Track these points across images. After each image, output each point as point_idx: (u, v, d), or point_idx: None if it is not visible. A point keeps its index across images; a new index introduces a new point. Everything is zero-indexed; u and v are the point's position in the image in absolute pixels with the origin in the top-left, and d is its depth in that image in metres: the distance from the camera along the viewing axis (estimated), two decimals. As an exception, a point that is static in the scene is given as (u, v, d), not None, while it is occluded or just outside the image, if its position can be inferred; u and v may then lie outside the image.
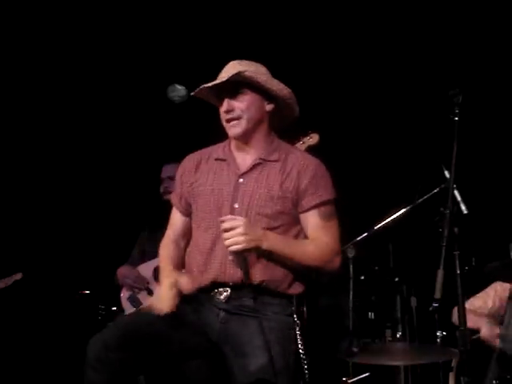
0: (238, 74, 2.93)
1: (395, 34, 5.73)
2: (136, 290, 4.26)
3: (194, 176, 3.08)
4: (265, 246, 2.82)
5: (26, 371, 5.89)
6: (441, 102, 3.00)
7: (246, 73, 2.95)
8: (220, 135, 3.19)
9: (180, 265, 3.09)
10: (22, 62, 5.99)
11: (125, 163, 6.30)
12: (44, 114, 6.22)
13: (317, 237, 2.95)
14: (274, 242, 2.85)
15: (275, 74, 3.13)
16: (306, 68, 5.58)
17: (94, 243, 6.23)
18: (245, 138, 3.04)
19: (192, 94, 3.09)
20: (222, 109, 3.01)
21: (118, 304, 4.62)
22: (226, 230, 2.75)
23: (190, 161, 3.15)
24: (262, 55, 3.19)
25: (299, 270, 3.00)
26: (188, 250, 3.09)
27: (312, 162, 3.07)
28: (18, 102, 6.12)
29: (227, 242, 2.76)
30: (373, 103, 5.97)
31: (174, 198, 3.19)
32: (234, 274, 2.88)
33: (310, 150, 3.87)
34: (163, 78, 6.20)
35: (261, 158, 3.01)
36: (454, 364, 4.54)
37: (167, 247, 3.10)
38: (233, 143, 3.10)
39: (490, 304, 4.41)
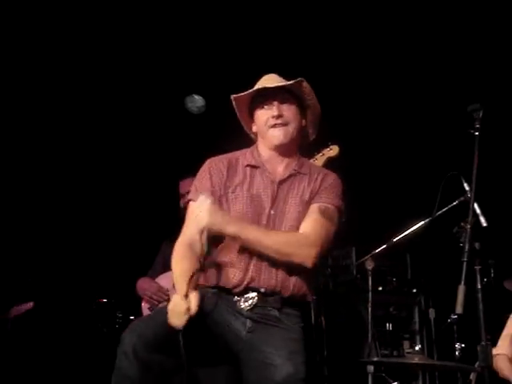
0: (301, 81, 2.96)
1: (418, 49, 5.75)
2: (156, 303, 4.27)
3: (227, 179, 3.02)
4: (228, 229, 2.83)
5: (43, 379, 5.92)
6: (461, 116, 3.01)
7: (305, 83, 2.98)
8: (236, 148, 3.20)
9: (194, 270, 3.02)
10: (38, 85, 6.04)
11: (146, 175, 6.34)
12: (64, 127, 6.27)
13: (303, 227, 2.94)
14: (235, 226, 2.84)
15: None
16: (327, 82, 5.59)
17: (115, 252, 6.27)
18: (284, 147, 3.03)
19: (235, 96, 3.04)
20: (272, 113, 2.97)
21: (138, 313, 4.64)
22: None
23: (217, 162, 3.06)
24: (280, 67, 3.21)
25: (312, 278, 3.02)
26: (221, 253, 2.99)
27: (332, 175, 3.11)
28: (35, 120, 6.17)
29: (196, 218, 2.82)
30: (394, 117, 5.99)
31: (203, 190, 3.01)
32: (269, 281, 2.88)
33: (330, 161, 3.88)
34: (182, 89, 6.31)
35: (295, 170, 3.02)
36: (472, 377, 4.55)
37: (184, 257, 2.97)
38: (263, 151, 3.07)
39: None
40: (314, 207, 2.97)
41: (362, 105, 6.00)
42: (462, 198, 3.77)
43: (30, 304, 5.45)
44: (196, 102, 6.41)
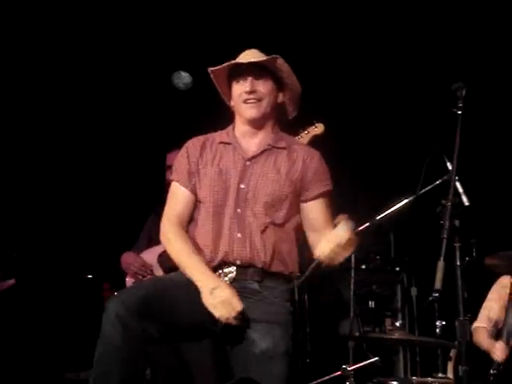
0: (275, 58, 2.99)
1: (400, 28, 5.76)
2: (140, 277, 4.28)
3: (200, 156, 3.08)
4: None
5: (29, 357, 5.93)
6: (444, 95, 3.03)
7: (280, 60, 3.00)
8: (222, 124, 3.22)
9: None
10: (20, 56, 6.00)
11: (131, 149, 6.33)
12: (49, 105, 6.24)
13: (328, 225, 2.99)
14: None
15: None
16: (310, 60, 5.59)
17: (100, 228, 6.27)
18: (258, 122, 3.06)
19: (211, 68, 3.07)
20: (244, 88, 3.00)
21: (122, 288, 4.65)
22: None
23: (194, 141, 3.14)
24: (265, 44, 3.21)
25: (296, 253, 3.05)
26: (193, 230, 3.07)
27: (316, 154, 3.13)
28: (17, 95, 6.13)
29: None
30: (377, 95, 6.00)
31: (179, 175, 3.10)
32: (242, 252, 2.91)
33: (315, 139, 3.90)
34: (168, 66, 6.29)
35: (269, 144, 3.05)
36: (452, 354, 4.61)
37: (182, 238, 3.00)
38: (238, 129, 3.12)
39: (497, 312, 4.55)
40: (321, 203, 3.06)
41: (345, 83, 6.00)
42: (445, 177, 3.77)
43: (11, 281, 5.44)
44: (183, 78, 6.42)
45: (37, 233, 6.19)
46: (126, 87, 6.26)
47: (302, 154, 3.08)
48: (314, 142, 3.86)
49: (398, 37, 5.80)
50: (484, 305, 4.72)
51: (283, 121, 3.20)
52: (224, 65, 3.05)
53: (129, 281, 4.34)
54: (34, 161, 6.26)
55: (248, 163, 3.02)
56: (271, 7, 5.76)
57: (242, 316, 2.77)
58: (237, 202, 2.96)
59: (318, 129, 3.95)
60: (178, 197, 3.09)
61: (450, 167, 3.63)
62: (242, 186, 2.98)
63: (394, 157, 5.96)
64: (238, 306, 2.75)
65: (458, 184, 3.24)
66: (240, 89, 3.03)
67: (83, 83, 6.18)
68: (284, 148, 3.06)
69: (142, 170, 6.11)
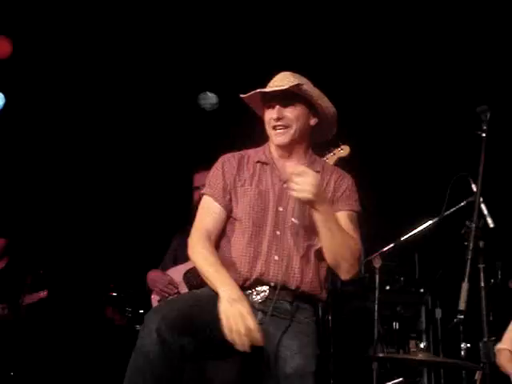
0: (298, 85, 2.99)
1: (427, 51, 5.77)
2: (166, 295, 4.30)
3: (237, 174, 3.08)
4: (321, 207, 2.83)
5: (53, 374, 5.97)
6: (469, 117, 3.05)
7: (304, 86, 3.01)
8: (248, 143, 3.26)
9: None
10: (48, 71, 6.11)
11: (159, 170, 6.39)
12: (80, 122, 6.34)
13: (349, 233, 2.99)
14: (327, 209, 2.87)
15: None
16: (338, 84, 5.63)
17: (126, 246, 6.32)
18: (288, 148, 3.08)
19: (242, 96, 3.10)
20: (272, 115, 3.03)
21: (148, 307, 4.67)
22: (296, 176, 2.79)
23: (230, 158, 3.14)
24: (293, 65, 3.25)
25: (328, 277, 3.06)
26: (226, 245, 3.07)
27: (347, 176, 3.17)
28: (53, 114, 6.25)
29: (296, 187, 2.80)
30: (404, 118, 6.01)
31: (213, 190, 3.07)
32: (278, 274, 2.92)
33: (340, 161, 3.92)
34: (195, 86, 6.36)
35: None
36: (477, 377, 4.58)
37: (210, 250, 2.97)
38: (274, 149, 3.14)
39: None
40: (345, 216, 3.01)
41: (372, 106, 6.03)
42: (470, 199, 3.78)
43: (44, 293, 5.49)
44: (209, 98, 6.49)
45: (68, 251, 6.26)
46: (154, 108, 6.34)
47: (334, 176, 3.10)
48: (340, 164, 3.88)
49: (424, 60, 5.82)
50: (509, 327, 4.69)
51: (320, 143, 3.23)
52: (251, 93, 3.08)
53: (154, 299, 4.36)
54: (66, 179, 6.35)
55: (285, 186, 2.98)
56: (300, 27, 5.80)
57: (252, 337, 2.70)
58: (275, 224, 2.98)
59: (344, 151, 3.97)
60: (209, 211, 3.07)
61: (474, 189, 3.65)
62: (281, 209, 3.00)
63: (419, 179, 5.96)
64: (251, 324, 2.70)
65: (482, 206, 3.25)
66: (269, 115, 3.06)
67: (116, 106, 6.27)
68: (318, 171, 3.06)
69: (169, 190, 6.15)
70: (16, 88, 6.18)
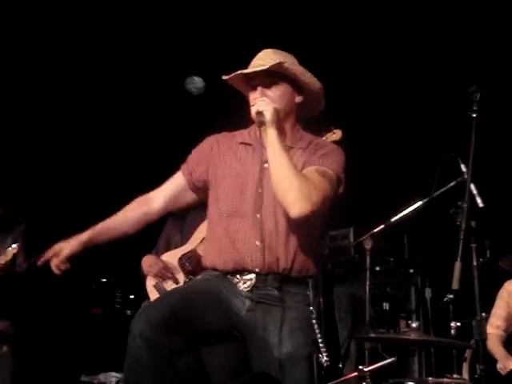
0: (279, 64, 2.94)
1: (415, 31, 5.77)
2: (161, 279, 4.30)
3: (219, 154, 3.06)
4: (274, 132, 2.85)
5: (45, 359, 5.96)
6: (459, 98, 3.06)
7: (285, 64, 2.96)
8: (234, 128, 3.23)
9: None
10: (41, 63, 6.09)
11: (146, 154, 6.37)
12: (66, 112, 6.33)
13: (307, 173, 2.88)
14: (279, 138, 2.86)
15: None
16: (326, 64, 5.62)
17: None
18: None
19: (224, 77, 3.04)
20: (255, 96, 2.99)
21: (137, 293, 4.67)
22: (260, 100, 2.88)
23: (214, 138, 3.11)
24: (282, 46, 3.22)
25: (316, 255, 3.04)
26: (207, 233, 3.08)
27: (332, 144, 3.14)
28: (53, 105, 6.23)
29: (259, 103, 2.86)
30: (392, 99, 6.02)
31: (186, 166, 3.11)
32: (261, 260, 2.87)
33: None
34: (181, 70, 6.33)
35: (287, 145, 2.96)
36: (467, 355, 4.63)
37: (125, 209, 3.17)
38: (259, 130, 3.03)
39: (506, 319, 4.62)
40: (313, 168, 2.90)
41: (361, 86, 6.03)
42: (459, 179, 3.80)
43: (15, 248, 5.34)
44: (195, 83, 6.45)
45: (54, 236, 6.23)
46: (141, 93, 6.32)
47: (316, 146, 3.04)
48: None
49: (413, 40, 5.82)
50: (493, 311, 4.76)
51: (309, 118, 3.19)
52: (232, 75, 3.04)
53: (149, 284, 4.36)
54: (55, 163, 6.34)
55: (266, 165, 2.94)
56: (286, 6, 5.77)
57: None
58: (255, 207, 2.91)
59: (336, 134, 3.97)
60: (172, 180, 3.15)
61: (463, 169, 3.67)
62: (260, 190, 2.93)
63: (408, 159, 5.98)
64: None
65: (472, 186, 3.27)
66: (252, 96, 3.02)
67: (103, 93, 6.25)
68: (302, 148, 3.01)
69: (160, 174, 6.14)
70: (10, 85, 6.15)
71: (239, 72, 3.02)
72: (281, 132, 2.98)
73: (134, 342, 2.68)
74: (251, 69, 3.00)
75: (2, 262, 5.00)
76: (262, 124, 2.89)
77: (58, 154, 6.45)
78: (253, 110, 2.90)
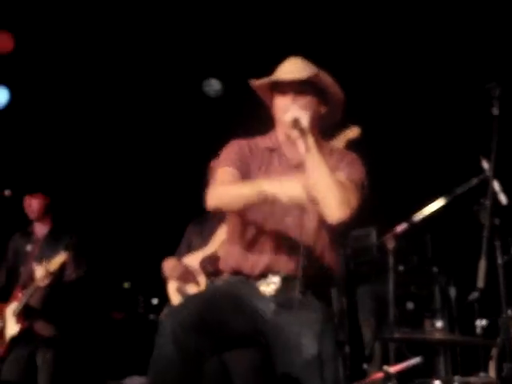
0: (317, 75, 2.99)
1: (434, 29, 5.75)
2: (183, 282, 4.32)
3: (248, 158, 3.06)
4: (311, 139, 2.87)
5: (71, 363, 5.99)
6: (480, 95, 3.04)
7: (321, 75, 3.02)
8: (252, 131, 3.23)
9: None
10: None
11: (172, 157, 6.40)
12: (85, 112, 6.36)
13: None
14: (314, 140, 2.89)
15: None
16: (346, 64, 5.62)
17: (138, 237, 6.34)
18: None
19: (254, 83, 3.08)
20: (285, 102, 3.00)
21: (161, 297, 4.69)
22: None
23: (241, 143, 3.12)
24: (300, 50, 3.23)
25: (339, 257, 3.05)
26: (229, 236, 3.10)
27: (352, 154, 3.16)
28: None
29: (294, 109, 2.88)
30: (413, 97, 6.00)
31: (228, 161, 3.06)
32: (287, 264, 2.92)
33: (351, 142, 3.92)
34: (199, 73, 6.35)
35: None
36: (493, 353, 4.59)
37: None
38: (280, 134, 3.12)
39: None
40: (343, 176, 2.96)
41: (382, 85, 6.02)
42: (481, 177, 3.78)
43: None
44: (213, 85, 6.49)
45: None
46: (158, 95, 6.35)
47: (339, 156, 3.09)
48: (350, 146, 3.88)
49: (433, 38, 5.80)
50: None
51: (326, 128, 3.21)
52: (265, 80, 3.07)
53: (171, 287, 4.38)
54: (76, 169, 6.38)
55: (292, 172, 2.99)
56: (305, 12, 5.78)
57: None
58: (283, 212, 2.95)
59: (354, 132, 3.97)
60: (228, 176, 3.03)
61: (485, 167, 3.64)
62: None
63: (430, 158, 5.95)
64: None
65: (495, 183, 3.25)
66: (282, 102, 3.04)
67: (120, 95, 6.28)
68: (327, 155, 3.02)
69: (181, 179, 6.17)
70: (19, 83, 6.19)
71: (274, 79, 3.05)
72: None
73: (164, 341, 2.70)
74: (286, 76, 3.02)
75: (51, 270, 5.05)
76: (300, 130, 2.89)
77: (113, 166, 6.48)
78: (288, 116, 2.90)
